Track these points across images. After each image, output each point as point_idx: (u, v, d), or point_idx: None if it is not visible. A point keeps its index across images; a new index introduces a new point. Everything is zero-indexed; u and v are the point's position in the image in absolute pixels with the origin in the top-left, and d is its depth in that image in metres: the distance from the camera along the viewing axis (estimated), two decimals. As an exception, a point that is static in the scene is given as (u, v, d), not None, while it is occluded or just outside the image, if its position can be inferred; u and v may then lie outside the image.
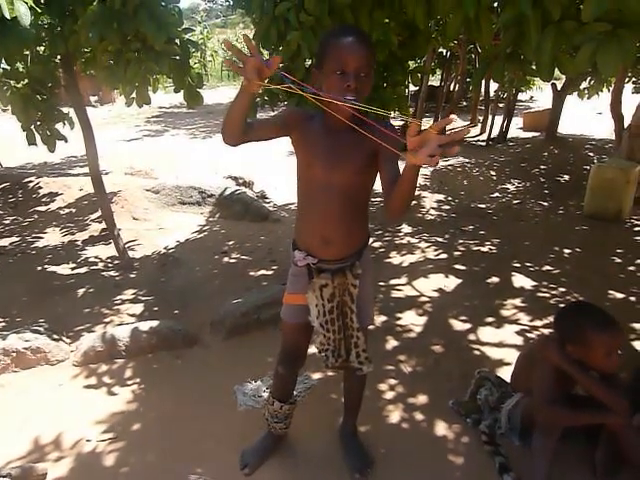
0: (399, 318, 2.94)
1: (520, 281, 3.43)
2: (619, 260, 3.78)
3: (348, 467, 1.84)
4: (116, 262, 3.82)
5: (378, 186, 1.42)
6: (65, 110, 3.48)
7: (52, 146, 3.44)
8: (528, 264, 3.70)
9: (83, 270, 3.77)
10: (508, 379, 2.14)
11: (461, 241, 4.22)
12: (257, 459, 1.87)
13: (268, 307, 2.83)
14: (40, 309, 3.10)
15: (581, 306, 1.96)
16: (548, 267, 3.65)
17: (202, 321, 2.90)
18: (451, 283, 3.42)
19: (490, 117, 9.05)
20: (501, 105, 9.52)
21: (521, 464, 1.84)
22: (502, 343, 2.67)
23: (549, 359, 1.77)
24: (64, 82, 3.35)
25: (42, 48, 3.16)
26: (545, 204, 5.35)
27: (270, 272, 3.65)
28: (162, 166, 6.71)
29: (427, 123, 1.07)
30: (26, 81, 3.20)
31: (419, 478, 1.83)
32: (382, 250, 4.03)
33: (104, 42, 2.65)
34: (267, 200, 5.53)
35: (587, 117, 10.59)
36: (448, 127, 1.10)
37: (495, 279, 3.47)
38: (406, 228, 4.54)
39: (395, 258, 3.87)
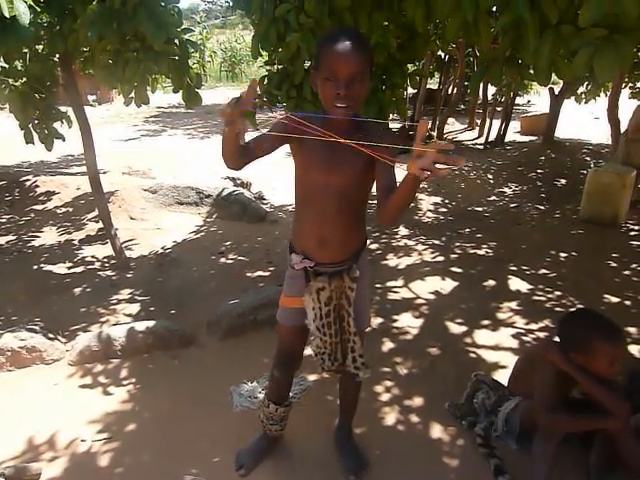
0: (395, 320, 2.95)
1: (516, 284, 3.44)
2: (615, 264, 3.80)
3: (343, 469, 1.84)
4: (113, 262, 3.81)
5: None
6: (63, 109, 3.48)
7: (50, 145, 3.44)
8: (524, 267, 3.71)
9: (79, 269, 3.76)
10: (504, 382, 2.14)
11: (458, 244, 4.23)
12: (252, 460, 1.87)
13: (265, 308, 2.83)
14: (36, 308, 3.09)
15: (586, 314, 1.95)
16: (544, 270, 3.66)
17: (198, 321, 2.90)
18: (447, 286, 3.43)
19: (488, 121, 9.08)
20: (499, 109, 9.55)
21: (516, 467, 1.85)
22: (498, 346, 2.68)
23: (552, 363, 1.77)
24: (62, 81, 3.34)
25: (41, 47, 3.15)
26: (542, 208, 5.36)
27: (267, 273, 3.65)
28: (160, 166, 6.70)
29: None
30: (24, 79, 3.20)
31: (414, 480, 1.83)
32: (379, 252, 4.04)
33: (103, 41, 2.64)
34: (265, 201, 5.53)
35: (584, 122, 10.63)
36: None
37: (491, 282, 3.48)
38: (403, 230, 4.55)
39: (392, 260, 3.87)
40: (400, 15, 2.50)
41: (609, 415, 1.70)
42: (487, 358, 2.57)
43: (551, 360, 1.78)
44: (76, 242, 4.32)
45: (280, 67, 2.76)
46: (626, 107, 6.22)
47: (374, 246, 4.14)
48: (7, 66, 3.05)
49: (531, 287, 3.39)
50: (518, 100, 11.27)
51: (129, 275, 3.64)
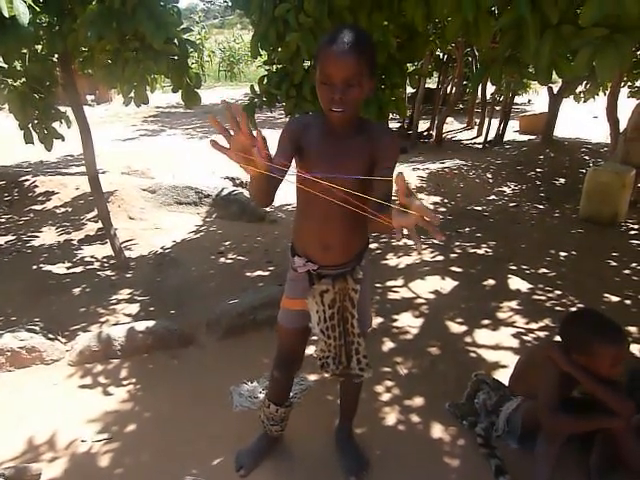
0: (395, 320, 2.94)
1: (516, 284, 3.44)
2: (614, 263, 3.80)
3: (343, 469, 1.84)
4: (112, 262, 3.80)
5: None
6: (62, 109, 3.47)
7: (49, 145, 3.43)
8: (524, 267, 3.71)
9: (79, 269, 3.75)
10: (505, 382, 2.14)
11: (457, 243, 4.23)
12: (252, 460, 1.86)
13: (264, 308, 2.83)
14: (35, 308, 3.09)
15: (588, 315, 1.94)
16: (544, 270, 3.66)
17: (198, 321, 2.89)
18: (447, 285, 3.43)
19: (487, 120, 9.09)
20: (498, 108, 9.56)
21: (517, 467, 1.84)
22: (498, 345, 2.68)
23: (554, 363, 1.77)
24: (62, 81, 3.34)
25: (40, 47, 3.14)
26: (541, 207, 5.37)
27: (266, 273, 3.64)
28: (159, 166, 6.70)
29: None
30: (24, 80, 3.19)
31: (415, 480, 1.83)
32: (378, 252, 4.04)
33: (102, 41, 2.64)
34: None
35: (583, 121, 10.63)
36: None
37: (491, 281, 3.48)
38: (402, 230, 4.54)
39: (391, 260, 3.87)
40: (400, 15, 2.50)
41: (612, 415, 1.70)
42: (487, 358, 2.56)
43: (554, 361, 1.78)
44: (75, 242, 4.31)
45: (279, 67, 2.76)
46: (625, 106, 6.23)
47: (374, 246, 4.14)
48: (6, 66, 3.04)
49: (531, 286, 3.39)
50: (517, 99, 11.28)
51: (128, 275, 3.64)
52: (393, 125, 10.12)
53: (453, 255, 3.97)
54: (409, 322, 2.92)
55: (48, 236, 4.45)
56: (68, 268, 3.77)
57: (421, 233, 0.91)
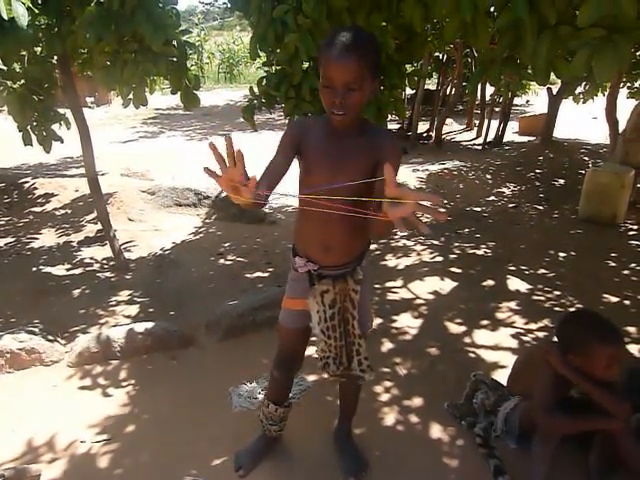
0: (395, 320, 2.95)
1: (515, 284, 3.44)
2: (613, 264, 3.81)
3: (342, 470, 1.84)
4: (111, 263, 3.81)
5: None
6: (61, 111, 3.48)
7: (48, 147, 3.43)
8: (523, 267, 3.71)
9: (78, 271, 3.75)
10: (503, 382, 2.14)
11: (457, 244, 4.23)
12: (251, 461, 1.86)
13: (264, 309, 2.83)
14: (35, 310, 3.09)
15: (585, 315, 1.95)
16: (543, 270, 3.67)
17: (197, 322, 2.90)
18: (447, 286, 3.43)
19: (486, 121, 9.10)
20: (497, 109, 9.57)
21: (515, 467, 1.84)
22: (497, 346, 2.68)
23: (550, 364, 1.77)
24: (61, 83, 3.34)
25: (39, 49, 3.15)
26: (540, 208, 5.37)
27: (266, 274, 3.65)
28: (158, 167, 6.71)
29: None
30: (23, 81, 3.20)
31: (414, 480, 1.83)
32: (378, 252, 4.04)
33: (101, 43, 2.65)
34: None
35: (582, 122, 10.65)
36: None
37: (490, 282, 3.48)
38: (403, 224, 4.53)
39: (391, 261, 3.88)
40: (398, 16, 2.50)
41: (609, 416, 1.70)
42: (486, 358, 2.57)
43: (549, 362, 1.78)
44: (75, 244, 4.32)
45: (278, 68, 2.76)
46: (624, 107, 6.24)
47: (373, 246, 4.14)
48: (5, 68, 3.05)
49: (530, 287, 3.39)
50: (516, 100, 11.29)
51: (128, 276, 3.64)
52: (392, 126, 10.13)
53: (452, 256, 3.98)
54: (408, 323, 2.92)
55: (48, 238, 4.45)
56: (68, 270, 3.77)
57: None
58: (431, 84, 12.64)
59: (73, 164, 6.94)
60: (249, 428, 1.98)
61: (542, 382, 1.78)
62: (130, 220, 4.79)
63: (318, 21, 2.34)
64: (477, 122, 10.06)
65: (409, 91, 10.40)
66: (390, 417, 2.14)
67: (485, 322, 2.93)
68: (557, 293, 3.29)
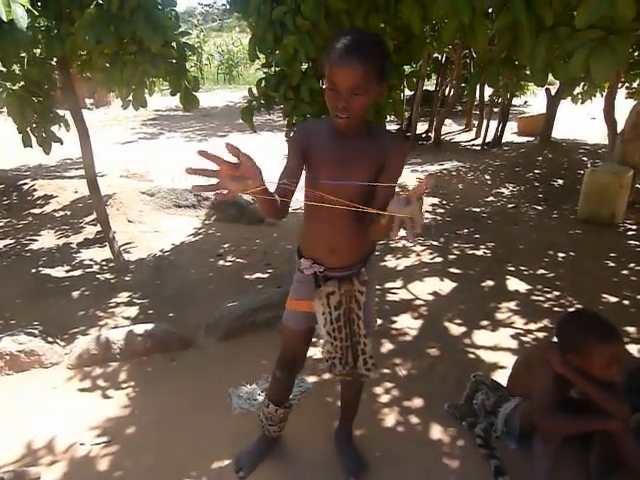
0: (394, 321, 2.95)
1: (514, 285, 3.44)
2: (612, 264, 3.81)
3: (343, 471, 1.84)
4: (111, 265, 3.81)
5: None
6: (61, 112, 3.48)
7: (48, 148, 3.43)
8: (522, 268, 3.71)
9: (78, 273, 3.75)
10: (503, 382, 2.15)
11: (456, 245, 4.24)
12: (251, 462, 1.87)
13: (263, 310, 2.83)
14: (34, 311, 3.09)
15: (584, 315, 1.95)
16: (542, 271, 3.67)
17: (197, 324, 2.90)
18: (446, 286, 3.43)
19: (485, 121, 9.10)
20: (496, 110, 9.57)
21: (516, 467, 1.85)
22: (497, 346, 2.68)
23: (550, 364, 1.78)
24: (60, 84, 3.34)
25: (38, 50, 3.15)
26: (539, 208, 5.38)
27: (265, 275, 3.65)
28: (158, 169, 6.71)
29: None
30: (22, 83, 3.20)
31: (414, 481, 1.83)
32: (377, 253, 4.02)
33: (100, 45, 2.65)
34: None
35: (581, 122, 10.66)
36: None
37: (490, 282, 3.49)
38: (401, 231, 4.54)
39: (390, 261, 3.88)
40: (396, 17, 2.51)
41: (608, 416, 1.71)
42: (486, 358, 2.57)
43: (549, 362, 1.78)
44: (74, 245, 4.32)
45: (277, 69, 2.77)
46: (622, 107, 6.24)
47: (372, 247, 4.14)
48: (5, 70, 3.05)
49: (529, 287, 3.39)
50: (515, 101, 11.32)
51: (127, 278, 3.64)
52: (391, 127, 10.13)
53: (452, 256, 3.98)
54: (408, 323, 2.93)
55: (47, 239, 4.45)
56: (67, 271, 3.77)
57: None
58: (430, 85, 12.65)
59: (72, 165, 6.94)
60: (249, 429, 1.98)
61: (542, 382, 1.78)
62: (129, 221, 4.79)
63: (317, 23, 2.34)
64: (476, 122, 10.07)
65: (408, 92, 10.41)
66: (390, 418, 2.14)
67: (485, 322, 2.93)
68: (556, 293, 3.30)
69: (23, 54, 3.04)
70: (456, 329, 2.87)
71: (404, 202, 1.01)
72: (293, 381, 1.88)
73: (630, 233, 4.53)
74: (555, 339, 1.89)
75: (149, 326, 2.70)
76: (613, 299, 3.21)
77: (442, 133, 9.26)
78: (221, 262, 3.94)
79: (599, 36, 1.52)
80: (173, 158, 7.60)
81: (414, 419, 2.13)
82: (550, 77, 1.85)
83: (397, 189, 1.37)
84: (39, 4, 2.63)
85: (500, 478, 1.79)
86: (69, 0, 2.62)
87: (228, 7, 2.84)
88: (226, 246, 4.26)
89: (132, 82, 2.84)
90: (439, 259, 3.92)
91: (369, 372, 1.64)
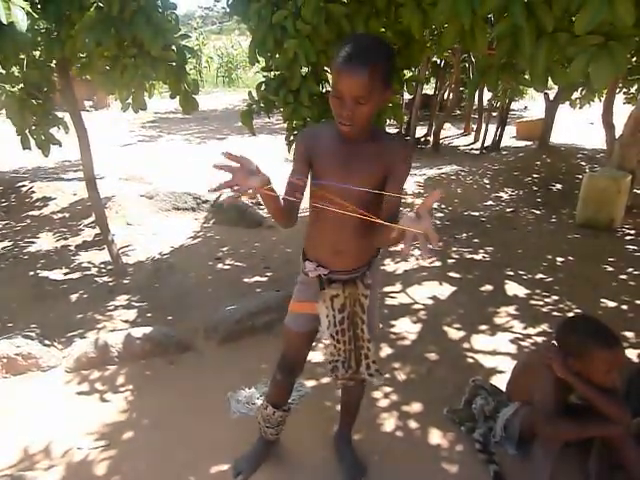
0: (393, 325, 2.94)
1: (513, 289, 3.44)
2: (611, 269, 3.81)
3: (342, 475, 1.84)
4: (109, 267, 3.80)
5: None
6: (60, 114, 3.48)
7: (46, 151, 3.43)
8: (521, 272, 3.72)
9: (76, 275, 3.74)
10: (502, 387, 2.14)
11: (455, 249, 4.24)
12: (250, 466, 1.86)
13: (262, 314, 2.83)
14: (32, 314, 3.08)
15: (584, 320, 1.95)
16: (541, 275, 3.67)
17: (196, 327, 2.89)
18: (445, 291, 3.43)
19: (484, 126, 9.13)
20: (494, 114, 9.60)
21: (515, 473, 1.84)
22: (496, 351, 2.68)
23: (551, 369, 1.77)
24: (59, 87, 3.34)
25: (38, 53, 3.15)
26: (538, 213, 5.39)
27: (264, 279, 3.64)
28: (156, 171, 6.70)
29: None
30: (22, 85, 3.20)
31: (413, 486, 1.82)
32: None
33: (101, 47, 2.65)
34: (261, 207, 5.53)
35: (579, 127, 10.69)
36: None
37: (489, 287, 3.49)
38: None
39: (389, 265, 3.88)
40: (396, 22, 2.52)
41: (609, 422, 1.70)
42: (485, 363, 2.57)
43: (550, 366, 1.78)
44: (72, 248, 4.31)
45: (277, 73, 2.77)
46: (621, 112, 6.27)
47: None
48: (4, 72, 3.05)
49: (528, 292, 3.39)
50: (513, 105, 11.35)
51: (126, 281, 3.63)
52: (391, 131, 10.14)
53: (450, 261, 3.98)
54: (407, 328, 2.92)
55: (45, 242, 4.44)
56: (65, 274, 3.76)
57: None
58: (429, 89, 12.68)
59: (71, 168, 6.93)
60: (248, 433, 1.97)
61: (543, 388, 1.78)
62: (128, 224, 4.78)
63: (317, 27, 2.35)
64: (475, 127, 10.10)
65: (407, 96, 10.43)
66: (389, 422, 2.13)
67: (484, 327, 2.93)
68: (555, 298, 3.30)
69: (23, 56, 3.04)
70: (455, 333, 2.87)
71: (415, 217, 1.05)
72: (293, 384, 1.87)
73: (628, 238, 4.53)
74: (554, 343, 1.89)
75: (147, 329, 2.69)
76: (611, 304, 3.21)
77: (441, 137, 9.28)
78: (220, 265, 3.93)
79: (599, 42, 1.53)
80: (172, 161, 7.61)
81: (413, 424, 2.13)
82: (549, 82, 1.85)
83: (404, 195, 1.39)
84: (39, 6, 2.63)
85: (499, 483, 1.79)
86: (69, 2, 2.62)
87: (228, 10, 2.85)
88: (225, 249, 4.26)
89: (132, 85, 2.84)
90: (438, 263, 3.92)
91: (372, 377, 1.64)
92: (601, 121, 6.21)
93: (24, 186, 5.50)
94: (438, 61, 9.86)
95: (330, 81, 2.82)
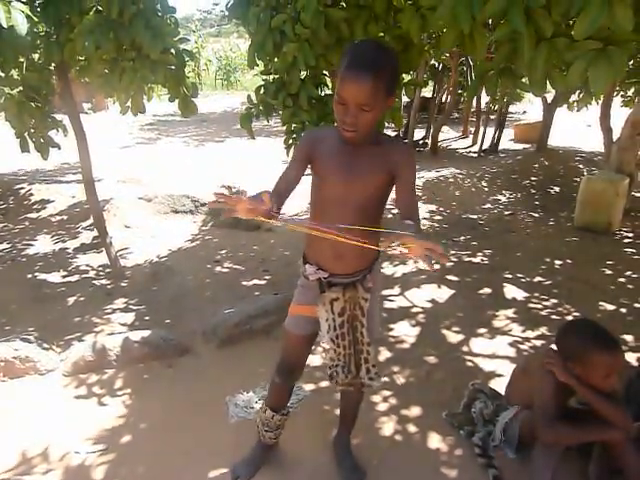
0: (392, 329, 2.94)
1: (512, 292, 3.45)
2: (609, 272, 3.82)
3: (341, 479, 1.83)
4: (107, 270, 3.79)
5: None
6: (59, 117, 3.47)
7: (45, 153, 3.43)
8: (519, 275, 3.72)
9: (74, 278, 3.73)
10: (501, 391, 2.14)
11: (453, 252, 4.24)
12: (248, 471, 1.85)
13: (261, 317, 2.83)
14: (30, 317, 3.07)
15: (584, 325, 1.94)
16: (539, 278, 3.68)
17: (194, 331, 2.88)
18: (443, 294, 3.43)
19: (482, 129, 9.15)
20: (492, 117, 9.63)
21: (514, 477, 1.84)
22: (495, 354, 2.68)
23: (552, 373, 1.77)
24: (58, 89, 3.34)
25: (37, 56, 3.15)
26: (536, 215, 5.40)
27: (262, 282, 3.64)
28: (155, 174, 6.69)
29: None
30: (21, 88, 3.19)
31: (412, 491, 1.82)
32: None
33: (100, 51, 2.65)
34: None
35: (577, 130, 10.73)
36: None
37: (487, 290, 3.49)
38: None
39: (388, 269, 3.88)
40: (395, 26, 2.52)
41: (610, 426, 1.70)
42: (484, 367, 2.56)
43: (551, 370, 1.78)
44: (71, 250, 4.30)
45: (276, 77, 2.77)
46: (618, 115, 6.29)
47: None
48: (3, 75, 3.04)
49: (527, 295, 3.40)
50: (511, 108, 11.38)
51: (124, 284, 3.62)
52: (389, 134, 10.16)
53: (449, 264, 3.98)
54: (405, 331, 2.92)
55: (43, 244, 4.43)
56: (63, 277, 3.75)
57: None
58: (427, 92, 12.72)
59: (70, 170, 6.92)
60: (246, 438, 1.97)
61: (543, 392, 1.78)
62: (126, 227, 4.77)
63: (316, 31, 2.35)
64: (473, 130, 10.12)
65: (405, 99, 10.45)
66: (388, 426, 2.13)
67: (482, 330, 2.93)
68: (554, 301, 3.30)
69: (22, 59, 3.04)
70: (454, 337, 2.87)
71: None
72: (292, 388, 1.87)
73: (626, 241, 4.55)
74: (554, 347, 1.89)
75: (146, 333, 2.68)
76: (610, 307, 3.21)
77: (439, 140, 9.29)
78: (218, 268, 3.93)
79: (598, 47, 1.53)
80: (170, 163, 7.61)
81: (412, 428, 2.12)
82: (547, 85, 1.86)
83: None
84: (38, 10, 2.63)
85: (498, 487, 1.79)
86: (68, 6, 2.63)
87: (227, 14, 2.85)
88: (223, 252, 4.26)
89: (131, 88, 2.84)
90: (436, 266, 3.92)
91: (372, 381, 1.63)
92: (599, 124, 6.23)
93: (22, 188, 5.49)
94: (436, 64, 9.89)
95: (329, 85, 2.83)
